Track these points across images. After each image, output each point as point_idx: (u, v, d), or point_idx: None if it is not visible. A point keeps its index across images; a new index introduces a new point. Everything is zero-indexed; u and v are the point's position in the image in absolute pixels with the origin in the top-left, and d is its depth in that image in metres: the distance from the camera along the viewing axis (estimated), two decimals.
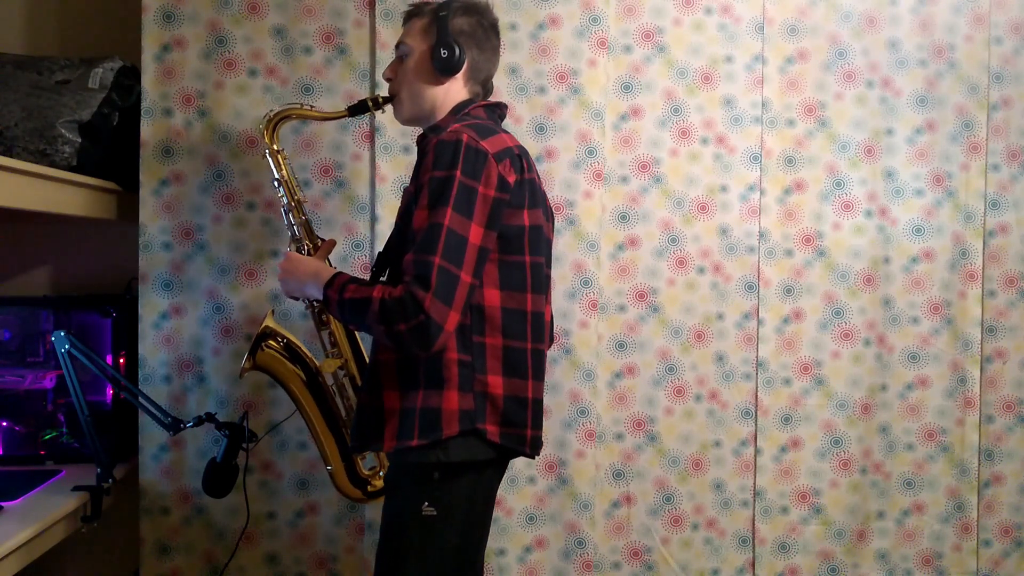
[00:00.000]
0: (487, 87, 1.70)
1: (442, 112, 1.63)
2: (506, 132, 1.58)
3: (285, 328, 1.88)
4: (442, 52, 1.59)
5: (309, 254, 1.80)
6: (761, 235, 2.26)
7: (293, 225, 1.83)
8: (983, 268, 2.30)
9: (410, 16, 1.67)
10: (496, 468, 1.59)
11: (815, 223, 2.27)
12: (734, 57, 2.24)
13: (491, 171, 1.45)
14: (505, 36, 2.13)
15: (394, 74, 1.68)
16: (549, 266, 1.65)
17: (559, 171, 2.17)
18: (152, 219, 2.10)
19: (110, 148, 2.08)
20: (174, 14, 2.08)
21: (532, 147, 2.15)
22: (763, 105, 2.25)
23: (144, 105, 2.08)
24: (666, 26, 2.22)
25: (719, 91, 2.24)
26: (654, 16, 2.22)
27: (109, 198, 2.11)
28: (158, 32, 2.08)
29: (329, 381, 1.87)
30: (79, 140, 1.97)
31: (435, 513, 1.47)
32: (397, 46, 1.68)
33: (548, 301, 1.66)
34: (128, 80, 2.13)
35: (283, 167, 1.85)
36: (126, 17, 2.21)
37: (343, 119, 1.85)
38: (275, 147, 1.84)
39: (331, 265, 1.75)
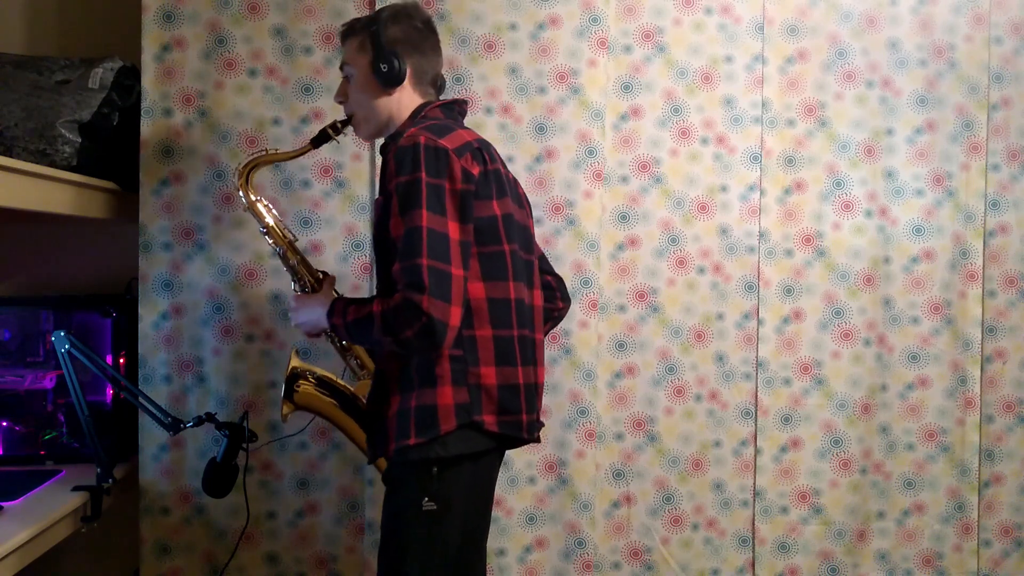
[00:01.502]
0: (438, 84, 1.71)
1: (400, 120, 1.64)
2: (465, 128, 1.59)
3: (314, 366, 1.88)
4: (382, 66, 1.59)
5: (313, 290, 1.79)
6: (761, 235, 2.26)
7: (291, 267, 1.82)
8: (983, 268, 2.30)
9: (345, 36, 1.67)
10: (494, 457, 1.60)
11: (815, 223, 2.27)
12: (734, 57, 2.24)
13: (454, 166, 1.46)
14: (505, 36, 2.14)
15: (345, 96, 1.69)
16: (529, 250, 1.66)
17: (559, 171, 2.17)
18: (152, 219, 2.10)
19: (110, 148, 2.07)
20: (174, 14, 2.08)
21: (532, 147, 2.16)
22: (763, 105, 2.25)
23: (144, 105, 2.08)
24: (666, 26, 2.22)
25: (719, 91, 2.24)
26: (654, 16, 2.22)
27: (109, 198, 2.11)
28: (158, 32, 2.08)
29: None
30: (79, 140, 1.97)
31: (435, 508, 1.48)
32: (341, 67, 1.69)
33: (536, 285, 1.67)
34: (128, 80, 2.13)
35: (266, 215, 1.81)
36: (126, 17, 2.21)
37: (309, 152, 1.81)
38: (252, 198, 1.81)
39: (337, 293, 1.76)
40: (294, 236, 1.84)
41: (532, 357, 1.60)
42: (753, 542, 2.27)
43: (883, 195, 2.29)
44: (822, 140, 2.26)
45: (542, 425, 1.65)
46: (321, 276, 1.81)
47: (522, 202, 1.69)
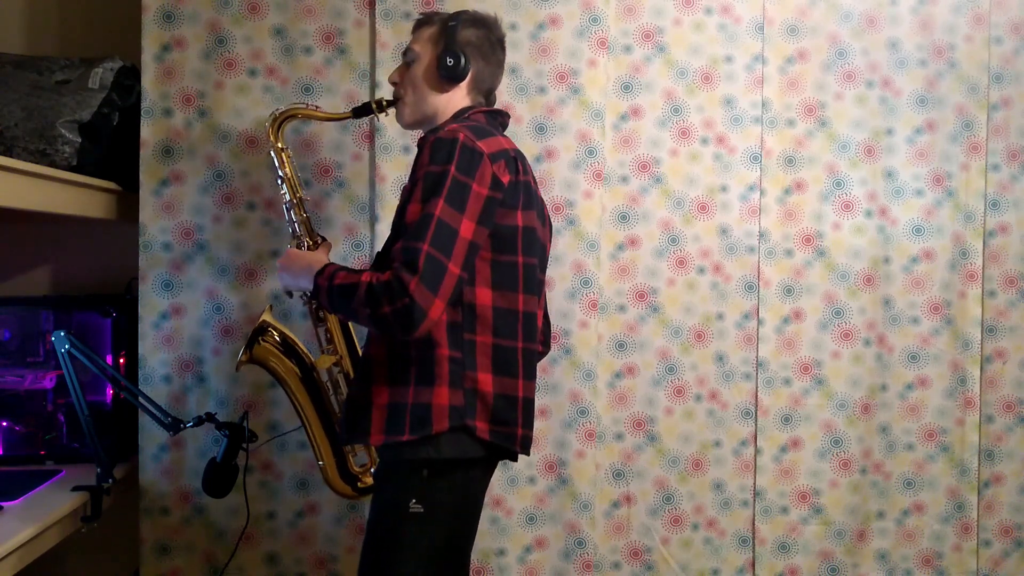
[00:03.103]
0: (490, 99, 1.73)
1: (443, 118, 1.66)
2: (504, 137, 1.60)
3: (284, 326, 1.89)
4: (448, 60, 1.62)
5: (309, 250, 1.81)
6: (761, 235, 2.26)
7: (294, 222, 1.85)
8: (983, 268, 2.30)
9: (420, 24, 1.70)
10: (485, 467, 1.59)
11: (815, 223, 2.27)
12: (734, 57, 2.24)
13: (485, 170, 1.47)
14: (505, 36, 2.13)
15: (400, 78, 1.71)
16: (543, 270, 1.67)
17: (559, 171, 2.17)
18: (152, 219, 2.10)
19: (110, 148, 2.08)
20: (174, 14, 2.08)
21: (532, 147, 2.16)
22: (763, 105, 2.25)
23: (144, 105, 2.08)
24: (666, 26, 2.22)
25: (719, 91, 2.24)
26: (654, 16, 2.22)
27: (109, 198, 2.11)
28: (158, 32, 2.08)
29: (324, 377, 1.88)
30: (79, 140, 1.97)
31: (422, 511, 1.48)
32: (405, 52, 1.71)
33: (541, 305, 1.67)
34: (128, 80, 2.13)
35: (287, 165, 1.87)
36: (126, 17, 2.21)
37: (346, 120, 1.86)
38: (279, 145, 1.86)
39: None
40: (305, 195, 1.89)
41: (534, 372, 1.61)
42: (753, 542, 2.27)
43: (883, 195, 2.29)
44: (822, 140, 2.26)
45: (532, 443, 1.64)
46: (320, 240, 1.84)
47: (546, 222, 1.70)
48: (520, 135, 2.15)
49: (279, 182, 1.87)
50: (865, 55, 2.27)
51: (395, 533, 1.49)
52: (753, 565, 2.27)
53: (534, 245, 1.58)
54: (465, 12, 1.68)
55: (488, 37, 1.67)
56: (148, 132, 2.09)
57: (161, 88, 2.09)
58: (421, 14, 1.73)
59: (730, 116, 2.24)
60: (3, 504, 1.74)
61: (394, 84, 1.73)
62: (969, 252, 2.29)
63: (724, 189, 2.25)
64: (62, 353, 1.79)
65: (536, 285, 1.60)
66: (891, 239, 2.29)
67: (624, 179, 2.23)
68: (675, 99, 2.23)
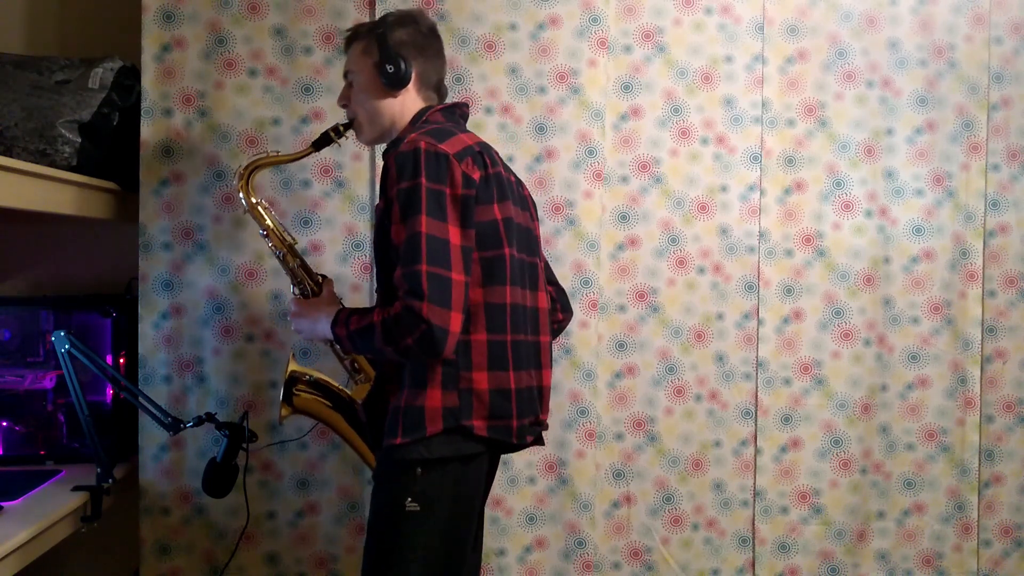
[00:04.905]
0: (441, 90, 1.72)
1: (402, 124, 1.65)
2: (466, 132, 1.60)
3: (312, 370, 1.88)
4: (388, 68, 1.60)
5: (313, 294, 1.77)
6: (761, 235, 2.26)
7: (290, 269, 1.79)
8: (983, 268, 2.30)
9: (349, 40, 1.69)
10: (482, 462, 1.59)
11: (815, 223, 2.27)
12: (734, 57, 2.24)
13: (455, 171, 1.47)
14: (505, 36, 2.14)
15: (348, 100, 1.70)
16: (532, 252, 1.65)
17: (559, 171, 2.17)
18: (152, 219, 2.10)
19: (110, 148, 2.07)
20: (174, 14, 2.08)
21: (532, 147, 2.16)
22: (763, 105, 2.25)
23: (144, 105, 2.08)
24: (666, 26, 2.22)
25: (719, 91, 2.24)
26: (654, 16, 2.22)
27: (109, 198, 2.11)
28: (158, 32, 2.08)
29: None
30: (79, 140, 1.97)
31: (419, 509, 1.48)
32: (345, 75, 1.70)
33: (540, 288, 1.66)
34: (128, 80, 2.13)
35: (266, 218, 1.79)
36: (126, 17, 2.21)
37: (311, 156, 1.81)
38: (253, 200, 1.79)
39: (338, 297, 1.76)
40: (294, 239, 1.82)
41: (530, 361, 1.59)
42: (753, 542, 2.27)
43: (883, 195, 2.29)
44: (822, 140, 2.26)
45: (544, 427, 1.64)
46: (321, 279, 1.79)
47: (526, 203, 1.69)
48: (520, 135, 2.15)
49: (263, 236, 1.80)
50: (865, 55, 2.27)
51: (394, 533, 1.50)
52: (753, 565, 2.27)
53: (512, 233, 1.57)
54: (389, 14, 1.67)
55: (419, 31, 1.65)
56: (148, 132, 2.09)
57: (161, 88, 2.09)
58: (348, 30, 1.71)
59: (730, 116, 2.25)
60: (3, 504, 1.74)
61: (344, 107, 1.71)
62: (969, 252, 2.29)
63: (724, 189, 2.25)
64: (62, 353, 1.79)
65: (521, 273, 1.59)
66: (891, 239, 2.29)
67: (624, 179, 2.23)
68: (675, 99, 2.23)
